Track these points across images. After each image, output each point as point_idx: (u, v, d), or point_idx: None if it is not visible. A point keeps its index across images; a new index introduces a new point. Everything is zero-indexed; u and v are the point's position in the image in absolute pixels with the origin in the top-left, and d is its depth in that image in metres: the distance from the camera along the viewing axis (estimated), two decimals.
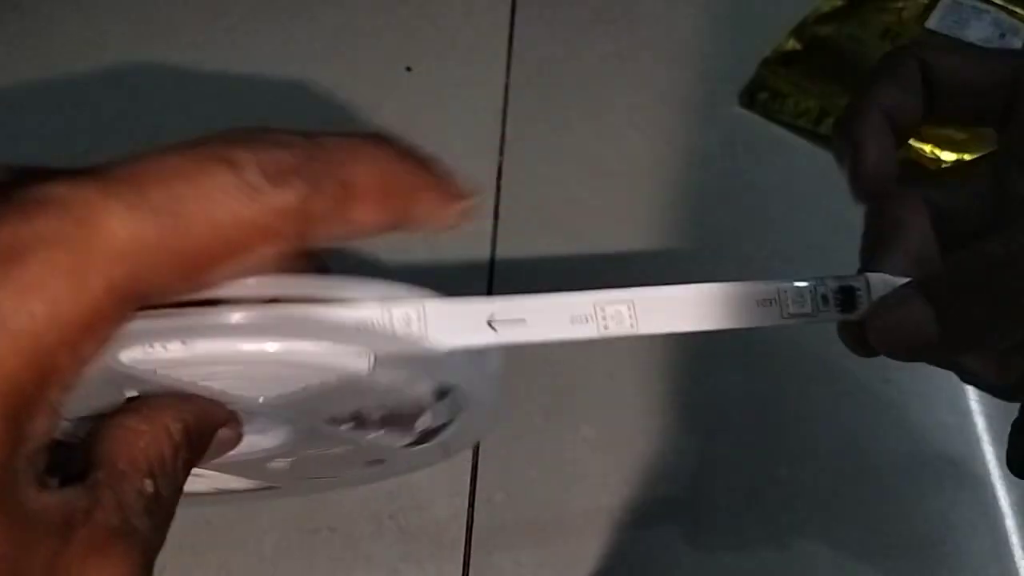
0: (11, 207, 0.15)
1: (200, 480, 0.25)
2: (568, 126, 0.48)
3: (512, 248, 0.43)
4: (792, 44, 0.50)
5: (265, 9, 0.53)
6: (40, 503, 0.17)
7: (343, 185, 0.18)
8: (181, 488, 0.20)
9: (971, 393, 0.38)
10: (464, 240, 0.43)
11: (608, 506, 0.35)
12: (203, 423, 0.21)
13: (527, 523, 0.35)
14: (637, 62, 0.51)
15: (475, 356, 0.22)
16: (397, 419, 0.25)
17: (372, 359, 0.22)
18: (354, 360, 0.22)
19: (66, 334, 0.16)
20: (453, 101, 0.49)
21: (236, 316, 0.19)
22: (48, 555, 0.16)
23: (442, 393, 0.25)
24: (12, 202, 0.16)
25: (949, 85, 0.24)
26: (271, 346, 0.21)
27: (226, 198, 0.16)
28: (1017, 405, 0.25)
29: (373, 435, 0.25)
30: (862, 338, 0.23)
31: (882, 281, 0.23)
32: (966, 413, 0.38)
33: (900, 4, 0.51)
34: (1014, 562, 0.34)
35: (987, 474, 0.36)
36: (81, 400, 0.21)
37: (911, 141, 0.26)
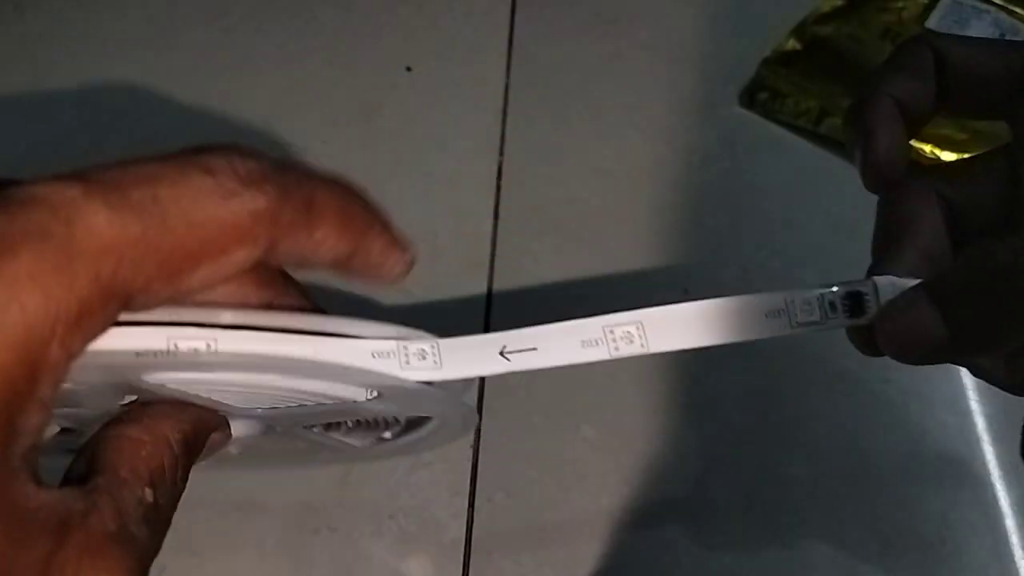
0: (2, 203, 0.16)
1: None
2: (568, 126, 0.48)
3: (512, 248, 0.43)
4: (792, 44, 0.50)
5: (265, 9, 0.53)
6: (36, 501, 0.17)
7: (309, 201, 0.19)
8: (179, 498, 0.20)
9: (971, 393, 0.39)
10: (464, 240, 0.43)
11: (608, 506, 0.35)
12: (199, 431, 0.21)
13: (527, 523, 0.35)
14: (637, 62, 0.51)
15: (458, 388, 0.23)
16: (367, 425, 0.26)
17: (373, 392, 0.22)
18: (355, 391, 0.22)
19: (56, 327, 0.16)
20: (453, 101, 0.49)
21: (263, 349, 0.20)
22: (42, 554, 0.16)
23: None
24: (3, 198, 0.16)
25: (963, 75, 0.24)
26: (289, 381, 0.21)
27: (203, 199, 0.17)
28: (1022, 401, 0.24)
29: (340, 436, 0.26)
30: (871, 341, 0.23)
31: (890, 284, 0.23)
32: (966, 413, 0.38)
33: (900, 4, 0.51)
34: (1014, 562, 0.34)
35: (987, 474, 0.36)
36: (78, 404, 0.21)
37: (911, 141, 0.25)
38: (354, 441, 0.27)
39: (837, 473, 0.36)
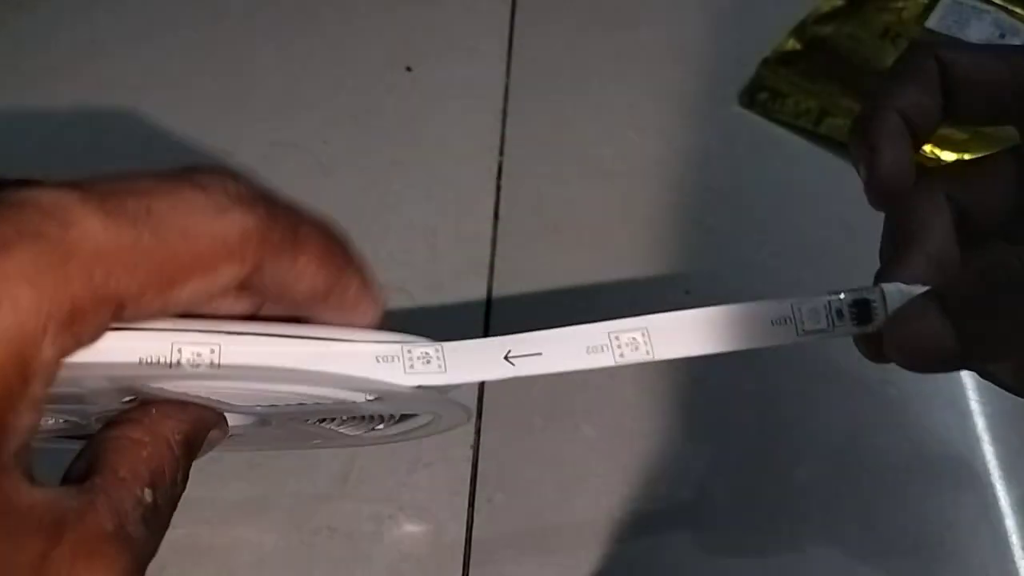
0: None
1: None
2: (568, 126, 0.48)
3: (512, 248, 0.43)
4: (792, 44, 0.50)
5: (264, 9, 0.53)
6: (29, 498, 0.17)
7: (294, 229, 0.19)
8: (178, 500, 0.20)
9: (971, 393, 0.38)
10: (464, 240, 0.43)
11: (608, 506, 0.35)
12: (199, 430, 0.21)
13: (527, 523, 0.35)
14: (637, 62, 0.51)
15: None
16: (360, 419, 0.26)
17: (373, 395, 0.22)
18: (356, 394, 0.22)
19: (48, 325, 0.16)
20: (453, 101, 0.49)
21: (268, 362, 0.20)
22: (37, 552, 0.16)
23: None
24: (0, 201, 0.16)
25: (969, 84, 0.23)
26: (294, 388, 0.21)
27: (196, 213, 0.18)
28: (1023, 401, 0.24)
29: (333, 427, 0.26)
30: (879, 349, 0.23)
31: (897, 291, 0.22)
32: (966, 413, 0.38)
33: (900, 4, 0.51)
34: (1014, 562, 0.34)
35: (987, 474, 0.36)
36: (79, 402, 0.21)
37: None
38: (347, 431, 0.27)
39: (837, 473, 0.36)
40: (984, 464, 0.37)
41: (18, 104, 0.48)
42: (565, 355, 0.22)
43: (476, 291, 0.41)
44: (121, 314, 0.17)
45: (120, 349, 0.19)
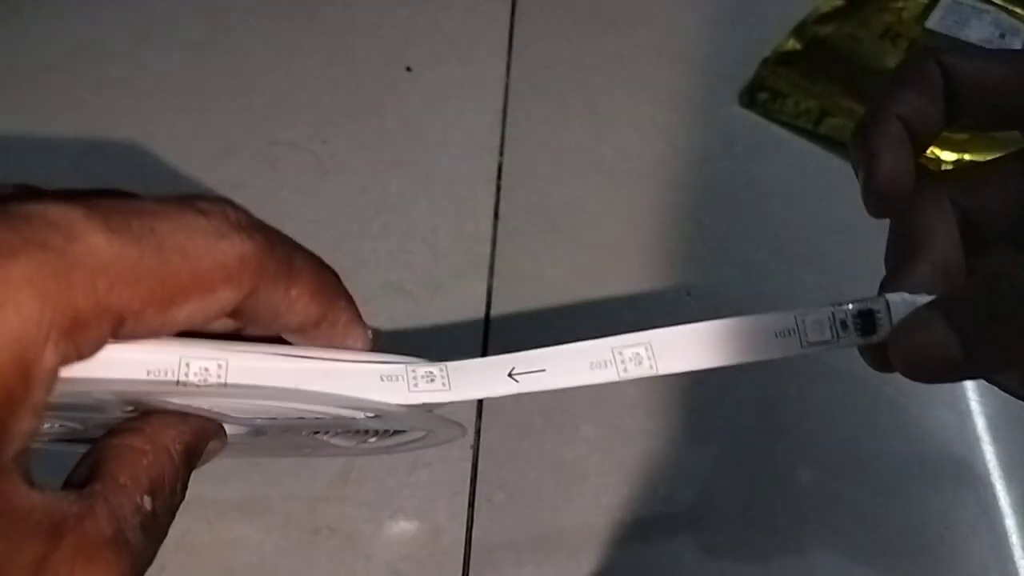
0: (4, 216, 0.16)
1: None
2: (568, 126, 0.48)
3: (512, 248, 0.43)
4: (792, 44, 0.50)
5: (264, 10, 0.53)
6: (29, 501, 0.17)
7: (289, 259, 0.20)
8: (176, 510, 0.21)
9: (971, 393, 0.39)
10: (464, 240, 0.43)
11: (608, 506, 0.35)
12: (200, 440, 0.22)
13: (527, 523, 0.35)
14: (637, 62, 0.51)
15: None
16: (354, 432, 0.26)
17: (372, 413, 0.22)
18: (356, 412, 0.22)
19: (50, 332, 0.16)
20: (453, 101, 0.49)
21: (274, 382, 0.20)
22: (36, 555, 0.17)
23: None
24: (6, 213, 0.17)
25: (973, 89, 0.23)
26: (298, 405, 0.21)
27: (197, 236, 0.18)
28: (1022, 404, 0.24)
29: (325, 438, 0.26)
30: (884, 358, 0.22)
31: (902, 301, 0.22)
32: (966, 413, 0.38)
33: (900, 4, 0.51)
34: (1014, 562, 0.34)
35: (987, 474, 0.36)
36: (77, 412, 0.21)
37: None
38: (339, 442, 0.27)
39: (837, 473, 0.36)
40: (984, 464, 0.37)
41: (18, 104, 0.48)
42: (569, 371, 0.22)
43: (476, 291, 0.41)
44: (121, 329, 0.18)
45: (128, 362, 0.19)
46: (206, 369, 0.19)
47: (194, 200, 0.19)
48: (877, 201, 0.23)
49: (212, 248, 0.18)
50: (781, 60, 0.49)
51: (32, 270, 0.16)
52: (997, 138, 0.43)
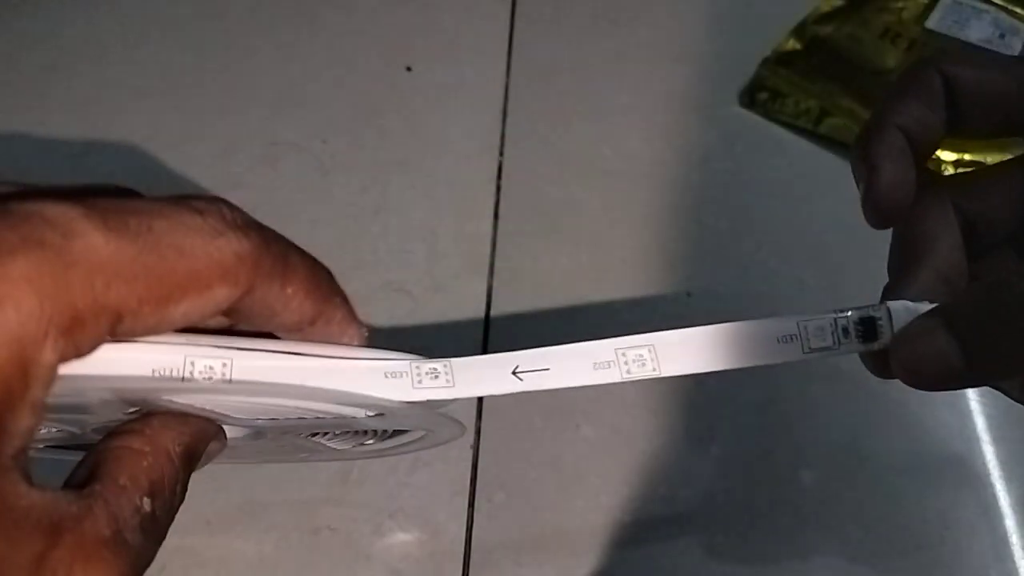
0: (3, 215, 0.17)
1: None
2: (568, 126, 0.48)
3: (512, 248, 0.43)
4: (792, 44, 0.50)
5: (264, 10, 0.53)
6: (28, 500, 0.17)
7: (284, 257, 0.20)
8: (176, 512, 0.21)
9: (971, 393, 0.39)
10: (464, 240, 0.43)
11: (608, 506, 0.35)
12: (200, 442, 0.22)
13: (527, 523, 0.35)
14: (637, 62, 0.51)
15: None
16: (352, 434, 0.26)
17: (374, 411, 0.22)
18: (358, 410, 0.22)
19: (49, 329, 0.16)
20: (453, 101, 0.49)
21: (279, 379, 0.20)
22: (34, 554, 0.17)
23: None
24: (5, 211, 0.17)
25: (975, 97, 0.23)
26: (301, 403, 0.21)
27: (193, 234, 0.18)
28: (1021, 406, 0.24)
29: (323, 441, 0.26)
30: (885, 365, 0.23)
31: (904, 308, 0.22)
32: (966, 413, 0.38)
33: (900, 4, 0.51)
34: (1014, 562, 0.34)
35: (987, 474, 0.36)
36: (76, 415, 0.21)
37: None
38: (336, 445, 0.27)
39: (837, 473, 0.36)
40: (984, 464, 0.37)
41: (18, 104, 0.48)
42: (572, 371, 0.22)
43: (476, 291, 0.41)
44: (119, 327, 0.18)
45: (133, 360, 0.19)
46: (211, 368, 0.19)
47: (190, 199, 0.19)
48: (877, 212, 0.23)
49: (209, 246, 0.18)
50: (781, 60, 0.49)
51: (31, 268, 0.16)
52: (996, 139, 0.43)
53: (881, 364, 0.23)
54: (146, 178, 0.45)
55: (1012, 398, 0.24)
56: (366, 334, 0.23)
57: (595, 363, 0.22)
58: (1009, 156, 0.25)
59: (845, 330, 0.23)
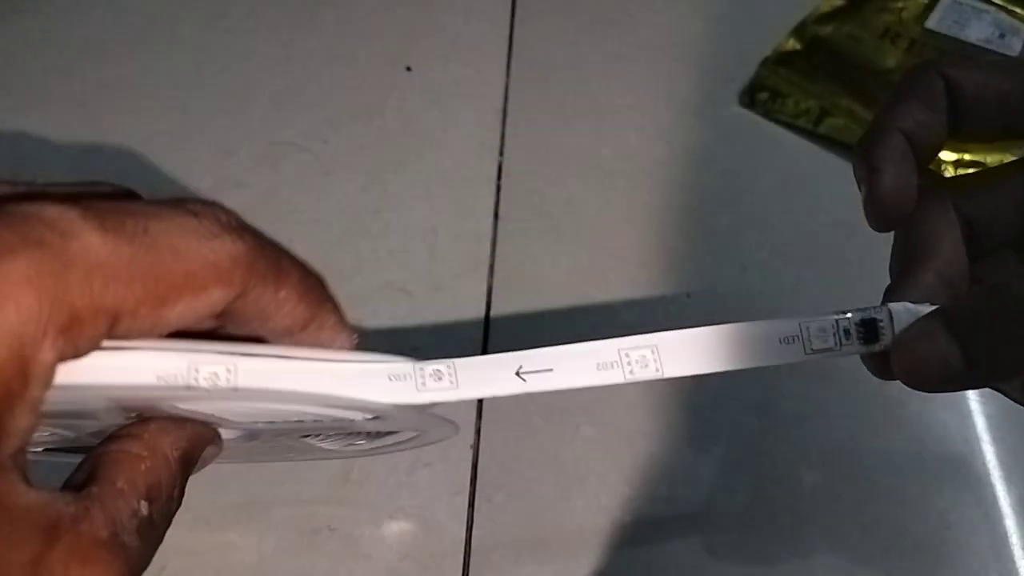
0: (3, 216, 0.17)
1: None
2: (568, 126, 0.48)
3: (512, 248, 0.43)
4: (792, 44, 0.50)
5: (265, 10, 0.53)
6: (26, 499, 0.17)
7: (278, 261, 0.20)
8: (173, 516, 0.21)
9: (971, 393, 0.39)
10: (464, 240, 0.43)
11: (608, 506, 0.35)
12: (196, 446, 0.22)
13: (527, 523, 0.35)
14: (637, 62, 0.51)
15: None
16: (345, 435, 0.26)
17: (372, 414, 0.22)
18: (357, 413, 0.22)
19: (48, 328, 0.17)
20: (453, 101, 0.49)
21: (285, 386, 0.20)
22: (32, 553, 0.17)
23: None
24: (4, 212, 0.17)
25: (976, 101, 0.23)
26: (303, 408, 0.21)
27: (189, 236, 0.19)
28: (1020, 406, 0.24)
29: (315, 441, 0.26)
30: (886, 367, 0.23)
31: (905, 310, 0.23)
32: (966, 413, 0.38)
33: (900, 4, 0.51)
34: (1014, 562, 0.34)
35: (987, 474, 0.36)
36: (74, 420, 0.21)
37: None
38: (326, 445, 0.27)
39: (837, 473, 0.36)
40: (984, 464, 0.37)
41: (18, 104, 0.48)
42: (576, 372, 0.22)
43: (476, 291, 0.41)
44: (116, 328, 0.18)
45: (137, 367, 0.19)
46: (216, 374, 0.19)
47: (185, 202, 0.19)
48: (880, 216, 0.23)
49: (204, 248, 0.19)
50: (781, 60, 0.49)
51: (30, 267, 0.16)
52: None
53: (882, 365, 0.23)
54: (146, 178, 0.45)
55: (1013, 399, 0.24)
56: (356, 340, 0.23)
57: (598, 364, 0.22)
58: (1009, 156, 0.25)
59: (847, 332, 0.23)
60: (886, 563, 0.34)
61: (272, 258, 0.20)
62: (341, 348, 0.22)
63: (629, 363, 0.22)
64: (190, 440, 0.21)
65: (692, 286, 0.41)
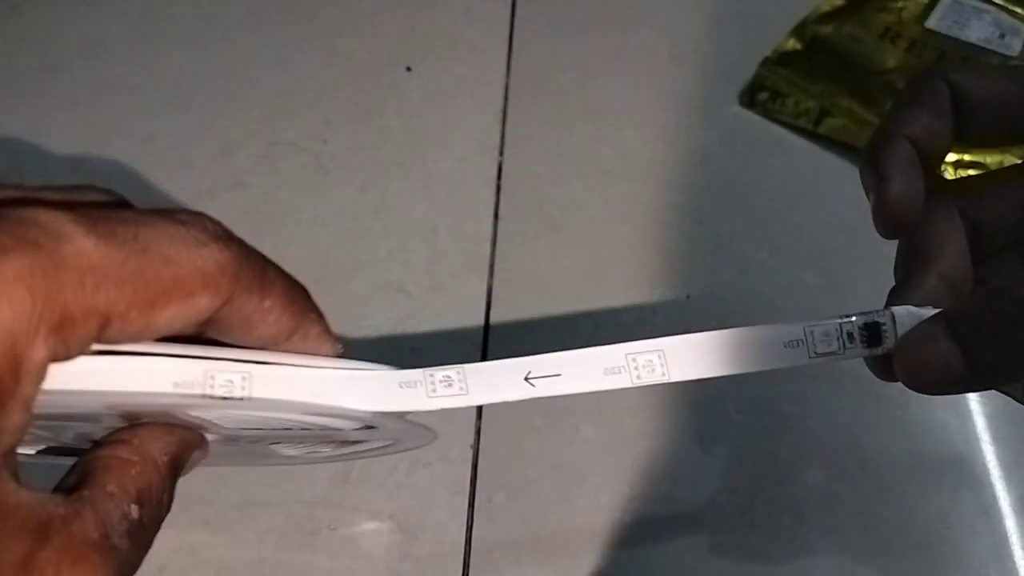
0: None
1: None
2: (568, 126, 0.48)
3: (512, 248, 0.43)
4: (792, 44, 0.50)
5: (265, 10, 0.53)
6: (17, 498, 0.17)
7: (263, 270, 0.21)
8: (162, 520, 0.21)
9: (971, 394, 0.39)
10: (464, 240, 0.43)
11: (608, 506, 0.35)
12: (184, 451, 0.22)
13: (527, 523, 0.35)
14: (637, 62, 0.51)
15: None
16: (330, 441, 0.26)
17: (364, 424, 0.22)
18: (347, 422, 0.22)
19: (40, 327, 0.17)
20: (453, 101, 0.49)
21: (301, 397, 0.20)
22: (22, 553, 0.17)
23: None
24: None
25: (981, 106, 0.23)
26: (305, 417, 0.21)
27: (177, 243, 0.19)
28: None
29: (278, 446, 0.26)
30: (889, 369, 0.23)
31: (908, 313, 0.23)
32: (966, 413, 0.38)
33: (900, 4, 0.51)
34: (1014, 562, 0.34)
35: (987, 474, 0.36)
36: (68, 424, 0.21)
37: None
38: (289, 451, 0.27)
39: (837, 473, 0.36)
40: (984, 464, 0.37)
41: (18, 104, 0.48)
42: (583, 376, 0.22)
43: (476, 291, 0.41)
44: (106, 330, 0.18)
45: (153, 373, 0.19)
46: (231, 382, 0.20)
47: (173, 212, 0.20)
48: (888, 223, 0.24)
49: (192, 254, 0.19)
50: (781, 60, 0.49)
51: (24, 267, 0.16)
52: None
53: (885, 368, 0.23)
54: (146, 178, 0.45)
55: (1016, 400, 0.24)
56: (340, 350, 0.23)
57: (606, 368, 0.22)
58: (1009, 157, 0.25)
59: (850, 335, 0.23)
60: (886, 563, 0.34)
61: (258, 268, 0.20)
62: (326, 357, 0.22)
63: (636, 367, 0.22)
64: (179, 445, 0.21)
65: (692, 286, 0.41)
